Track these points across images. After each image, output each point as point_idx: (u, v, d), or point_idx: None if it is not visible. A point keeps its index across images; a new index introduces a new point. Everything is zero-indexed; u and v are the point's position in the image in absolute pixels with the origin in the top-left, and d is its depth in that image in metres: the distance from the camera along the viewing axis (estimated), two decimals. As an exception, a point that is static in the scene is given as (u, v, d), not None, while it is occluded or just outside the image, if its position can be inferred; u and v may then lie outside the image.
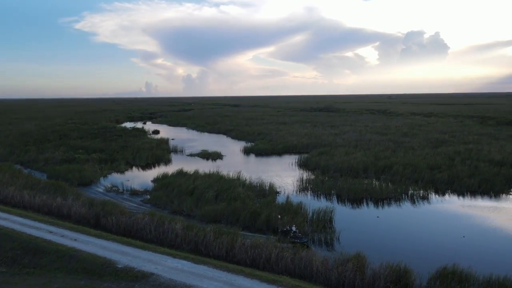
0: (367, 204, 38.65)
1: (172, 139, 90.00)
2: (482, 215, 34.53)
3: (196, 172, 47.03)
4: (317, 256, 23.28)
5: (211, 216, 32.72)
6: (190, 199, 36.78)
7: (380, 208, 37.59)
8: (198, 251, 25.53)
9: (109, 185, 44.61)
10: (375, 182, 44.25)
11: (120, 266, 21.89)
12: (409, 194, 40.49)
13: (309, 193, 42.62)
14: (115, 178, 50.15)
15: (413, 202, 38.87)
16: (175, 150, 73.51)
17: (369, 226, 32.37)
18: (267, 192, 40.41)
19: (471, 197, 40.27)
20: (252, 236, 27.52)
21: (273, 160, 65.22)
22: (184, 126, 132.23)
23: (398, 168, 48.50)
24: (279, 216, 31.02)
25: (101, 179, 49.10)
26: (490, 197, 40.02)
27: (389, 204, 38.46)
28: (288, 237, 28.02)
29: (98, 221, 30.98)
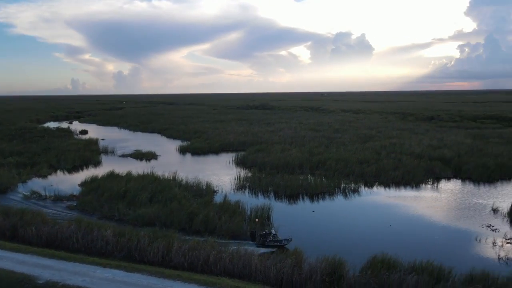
0: (303, 199, 39.68)
1: (102, 139, 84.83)
2: (405, 204, 37.21)
3: (129, 174, 44.63)
4: (256, 254, 23.24)
5: (145, 219, 31.19)
6: (123, 203, 34.73)
7: (315, 202, 38.79)
8: (132, 258, 24.12)
9: (28, 192, 40.51)
10: (310, 178, 45.62)
11: (41, 282, 19.84)
12: (341, 187, 42.32)
13: (246, 191, 42.65)
14: (37, 183, 45.76)
15: (345, 195, 40.71)
16: (106, 151, 69.31)
17: (306, 221, 33.19)
18: (205, 192, 39.65)
19: (396, 188, 43.23)
20: (193, 238, 26.57)
21: (210, 159, 64.41)
22: (115, 126, 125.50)
23: (331, 163, 50.51)
24: (257, 220, 30.01)
25: (19, 185, 44.46)
26: (412, 187, 43.33)
27: (323, 198, 39.86)
28: (267, 240, 26.89)
29: (15, 233, 27.85)
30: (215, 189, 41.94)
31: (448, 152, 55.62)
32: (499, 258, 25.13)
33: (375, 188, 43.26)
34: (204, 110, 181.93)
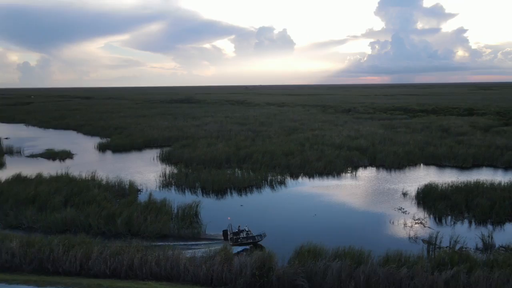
0: (231, 193, 39.57)
1: (6, 138, 75.93)
2: (328, 193, 39.11)
3: (39, 176, 40.37)
4: (184, 254, 22.49)
5: (59, 225, 28.44)
6: (32, 209, 31.21)
7: (243, 196, 38.92)
8: (44, 270, 21.75)
9: None
10: (238, 171, 45.70)
11: None
12: (268, 180, 43.05)
13: (173, 188, 41.29)
14: None
15: (272, 187, 41.49)
16: (10, 152, 62.07)
17: (234, 216, 33.01)
18: (127, 192, 37.48)
19: (319, 178, 45.23)
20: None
21: (133, 156, 61.19)
22: (22, 123, 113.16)
23: (257, 156, 51.12)
24: (229, 218, 28.43)
25: None
26: (334, 176, 45.72)
27: (251, 191, 40.17)
28: (240, 238, 26.16)
29: None
30: (139, 187, 39.92)
31: (364, 142, 59.80)
32: (409, 238, 27.57)
33: (300, 179, 44.77)
34: (126, 105, 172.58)
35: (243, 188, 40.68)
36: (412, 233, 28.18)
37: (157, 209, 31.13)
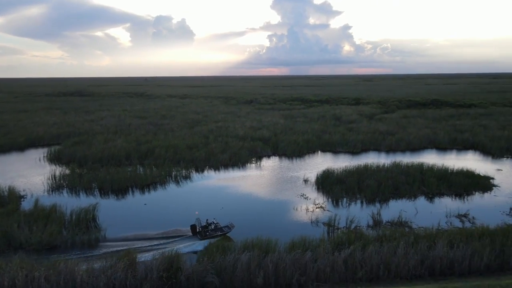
0: (133, 192, 37.18)
1: None
2: (234, 185, 39.32)
3: None
4: (80, 265, 20.24)
5: None
6: None
7: (147, 194, 36.87)
8: None
9: None
10: (140, 168, 43.21)
11: None
12: (173, 175, 41.53)
13: (65, 191, 37.15)
14: None
15: (177, 183, 40.12)
16: None
17: (138, 215, 31.08)
18: (7, 199, 32.45)
19: (225, 170, 45.23)
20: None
21: (13, 158, 53.43)
22: None
23: (160, 151, 48.97)
24: (197, 212, 27.48)
25: None
26: (239, 167, 46.19)
27: (155, 188, 38.29)
28: (209, 231, 25.93)
29: None
30: (22, 194, 35.03)
31: (266, 133, 61.70)
32: (311, 222, 29.18)
33: (206, 173, 44.19)
34: (2, 99, 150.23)
35: (146, 185, 38.56)
36: (314, 218, 29.87)
37: (45, 216, 27.57)
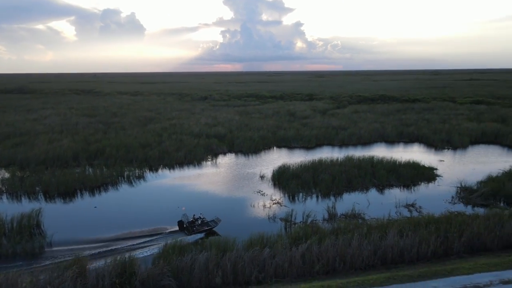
0: (82, 195, 35.25)
1: None
2: (191, 183, 38.56)
3: None
4: (24, 277, 18.76)
5: None
6: None
7: (97, 196, 35.12)
8: None
9: None
10: (89, 169, 41.12)
11: None
12: (125, 175, 39.91)
13: (4, 197, 34.38)
14: None
15: (130, 183, 38.62)
16: None
17: (87, 220, 29.47)
18: None
19: (180, 169, 44.25)
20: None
21: None
22: None
23: (111, 150, 46.86)
24: (183, 208, 27.88)
25: None
26: (195, 165, 45.40)
27: (106, 190, 36.58)
28: (196, 226, 26.10)
29: None
30: (-46, 201, 31.89)
31: (222, 129, 61.20)
32: (269, 218, 29.28)
33: (160, 172, 42.96)
34: None
35: (96, 187, 36.72)
36: (271, 214, 30.00)
37: (-18, 225, 25.28)
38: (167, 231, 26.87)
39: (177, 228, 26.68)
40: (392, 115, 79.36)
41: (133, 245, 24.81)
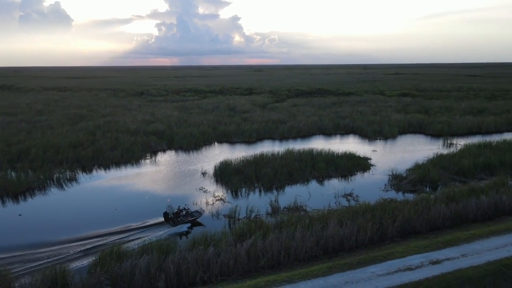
0: (3, 202, 31.90)
1: None
2: (128, 183, 36.69)
3: None
4: None
5: None
6: None
7: (22, 202, 32.01)
8: None
9: None
10: (11, 173, 37.35)
11: None
12: (55, 178, 36.85)
13: None
14: None
15: (60, 186, 35.76)
16: None
17: (11, 229, 26.68)
18: None
19: (117, 169, 41.93)
20: None
21: None
22: None
23: (37, 151, 43.02)
24: (168, 200, 28.79)
25: None
26: (133, 164, 43.32)
27: (32, 195, 33.50)
28: (181, 217, 26.82)
29: None
30: None
31: (160, 126, 59.13)
32: (212, 216, 28.78)
33: (94, 172, 40.37)
34: None
35: (20, 192, 33.46)
36: (214, 211, 29.53)
37: None
38: (151, 223, 27.16)
39: (162, 220, 27.27)
40: (329, 108, 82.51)
41: (125, 237, 24.97)
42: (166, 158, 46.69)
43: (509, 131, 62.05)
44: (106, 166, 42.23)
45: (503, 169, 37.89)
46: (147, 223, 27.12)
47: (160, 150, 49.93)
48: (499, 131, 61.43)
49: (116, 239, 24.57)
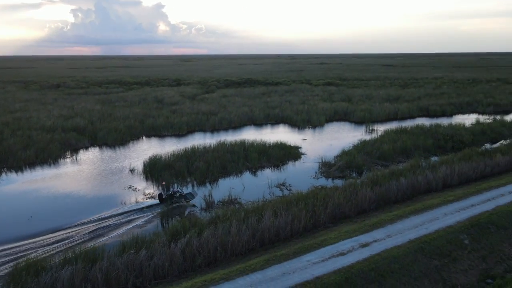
0: None
1: None
2: (46, 186, 33.29)
3: None
4: None
5: None
6: None
7: None
8: None
9: None
10: None
11: None
12: (-47, 186, 32.10)
13: None
14: None
15: (-39, 195, 31.23)
16: None
17: None
18: None
19: (31, 170, 37.88)
20: None
21: None
22: None
23: None
24: (163, 182, 31.01)
25: None
26: (50, 165, 39.49)
27: None
28: (174, 198, 28.15)
29: None
30: None
31: (81, 121, 54.71)
32: (144, 213, 27.23)
33: (4, 176, 36.03)
34: None
35: None
36: (146, 210, 27.92)
37: None
38: (147, 205, 28.63)
39: (157, 202, 28.71)
40: (259, 98, 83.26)
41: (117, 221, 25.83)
42: (89, 156, 43.31)
43: (420, 116, 68.20)
44: (18, 168, 37.95)
45: (417, 152, 41.47)
46: (143, 205, 28.57)
47: (82, 148, 46.19)
48: (412, 117, 67.18)
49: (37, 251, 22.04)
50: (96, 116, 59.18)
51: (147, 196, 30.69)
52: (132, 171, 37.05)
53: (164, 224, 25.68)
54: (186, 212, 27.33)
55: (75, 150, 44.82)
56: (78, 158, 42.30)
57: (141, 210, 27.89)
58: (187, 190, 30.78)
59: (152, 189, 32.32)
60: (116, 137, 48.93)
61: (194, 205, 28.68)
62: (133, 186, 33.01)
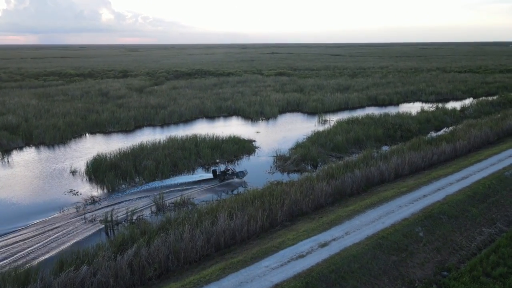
0: None
1: None
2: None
3: None
4: None
5: None
6: None
7: None
8: None
9: None
10: None
11: None
12: None
13: None
14: None
15: None
16: None
17: None
18: None
19: (-48, 177, 33.42)
20: None
21: None
22: None
23: None
24: (218, 160, 34.48)
25: None
26: (-24, 169, 35.13)
27: None
28: (227, 175, 31.04)
29: None
30: None
31: (14, 118, 49.65)
32: (86, 222, 24.76)
33: None
34: None
35: None
36: (88, 218, 25.35)
37: None
38: (203, 178, 31.74)
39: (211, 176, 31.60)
40: (210, 89, 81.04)
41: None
42: (23, 157, 39.23)
43: (370, 105, 69.98)
44: None
45: (369, 142, 42.11)
46: (197, 178, 31.75)
47: (15, 148, 41.83)
48: (362, 106, 68.72)
49: None
50: (32, 112, 54.08)
51: (88, 202, 28.04)
52: (73, 172, 33.98)
53: (110, 234, 23.45)
54: (236, 190, 29.71)
55: (6, 151, 40.46)
56: (10, 160, 38.15)
57: (196, 182, 31.14)
58: (239, 168, 33.65)
59: (96, 192, 29.66)
60: (55, 135, 44.84)
61: (245, 182, 31.20)
62: (74, 190, 30.16)
